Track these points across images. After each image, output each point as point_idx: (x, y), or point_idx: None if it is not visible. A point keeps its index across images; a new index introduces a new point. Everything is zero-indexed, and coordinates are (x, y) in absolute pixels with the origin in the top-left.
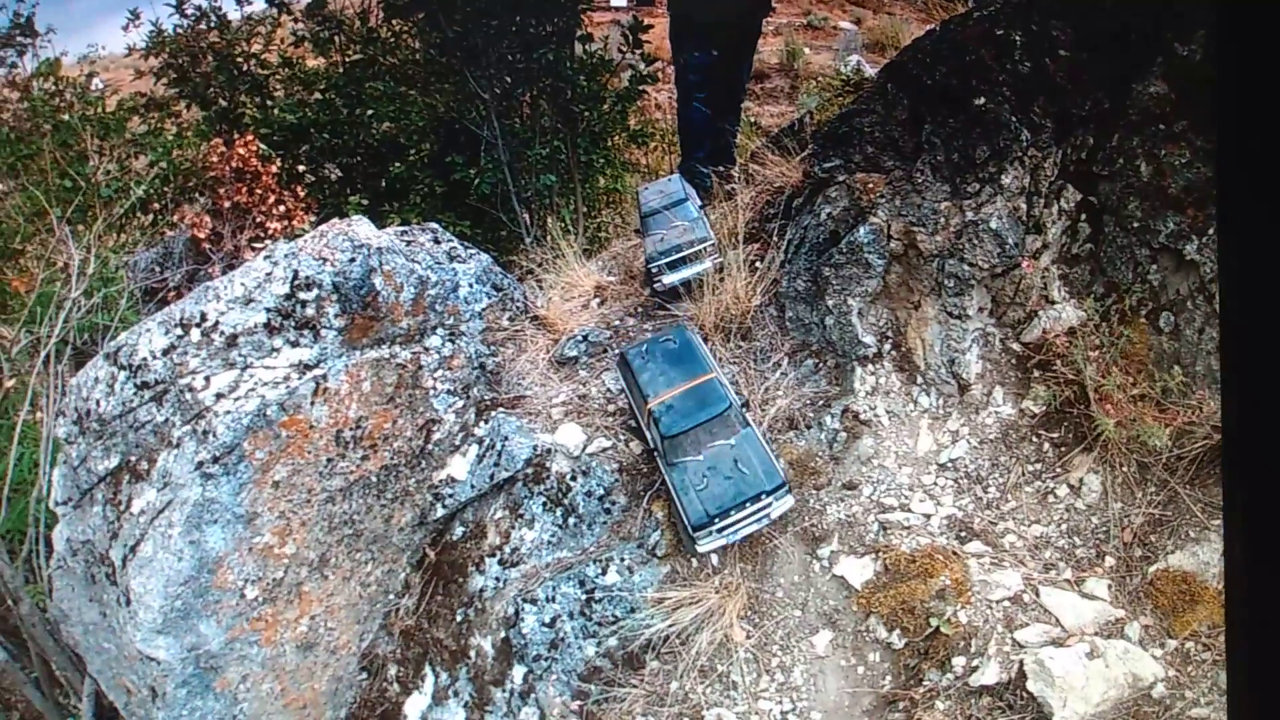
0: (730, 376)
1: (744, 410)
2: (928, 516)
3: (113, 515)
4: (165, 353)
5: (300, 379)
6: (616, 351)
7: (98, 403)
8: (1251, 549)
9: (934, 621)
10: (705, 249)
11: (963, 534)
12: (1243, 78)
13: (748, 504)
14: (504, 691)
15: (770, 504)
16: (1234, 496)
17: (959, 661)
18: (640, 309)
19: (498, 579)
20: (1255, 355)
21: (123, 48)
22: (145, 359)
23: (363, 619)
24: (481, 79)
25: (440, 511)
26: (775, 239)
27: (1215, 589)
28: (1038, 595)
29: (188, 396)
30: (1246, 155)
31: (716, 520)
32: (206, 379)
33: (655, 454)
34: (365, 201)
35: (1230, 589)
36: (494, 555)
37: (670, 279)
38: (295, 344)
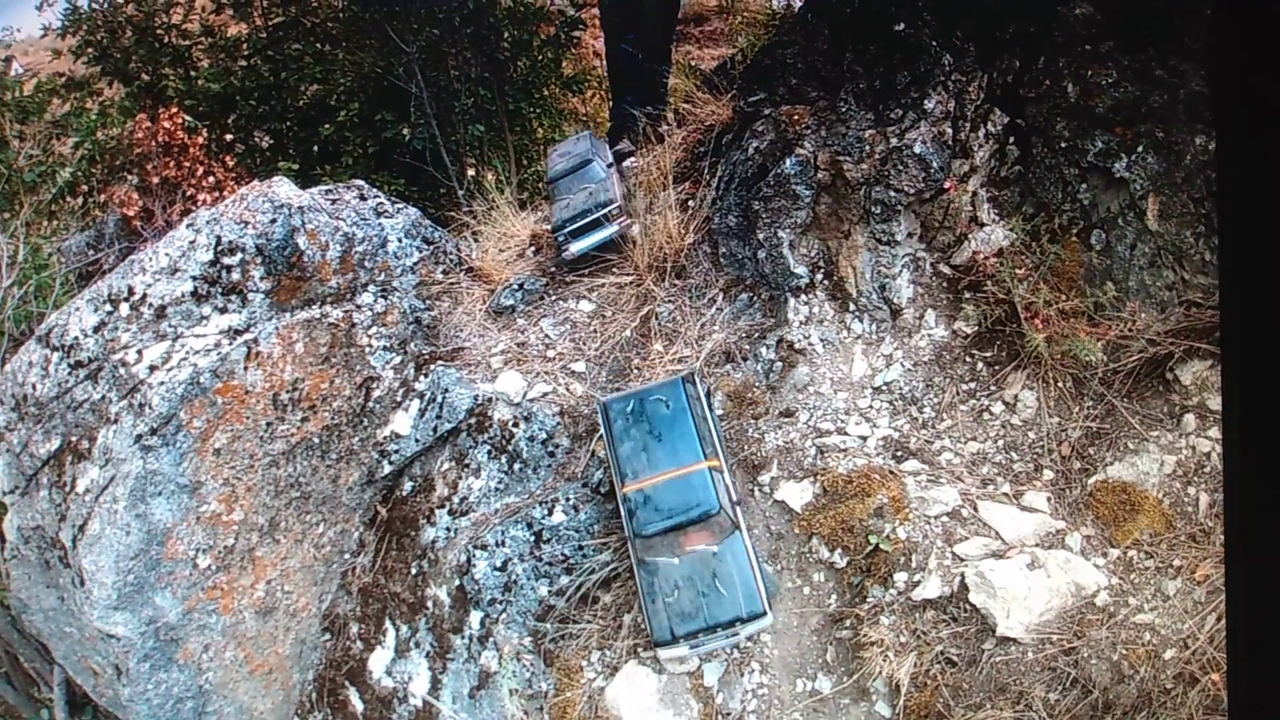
0: (667, 315)
1: (736, 508)
2: (864, 439)
3: (59, 498)
4: (96, 330)
5: (231, 345)
6: (600, 398)
7: (34, 386)
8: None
9: (874, 539)
10: (611, 212)
11: (899, 454)
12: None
13: (719, 629)
14: (463, 638)
15: (743, 630)
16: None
17: (901, 577)
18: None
19: (449, 529)
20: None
21: (39, 29)
22: (77, 338)
23: (320, 580)
24: (405, 32)
25: (387, 468)
26: (706, 177)
27: (1156, 498)
28: (976, 510)
29: (121, 371)
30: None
31: (681, 641)
32: (139, 352)
33: (627, 540)
34: (296, 167)
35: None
36: (443, 506)
37: (576, 248)
38: (224, 310)
